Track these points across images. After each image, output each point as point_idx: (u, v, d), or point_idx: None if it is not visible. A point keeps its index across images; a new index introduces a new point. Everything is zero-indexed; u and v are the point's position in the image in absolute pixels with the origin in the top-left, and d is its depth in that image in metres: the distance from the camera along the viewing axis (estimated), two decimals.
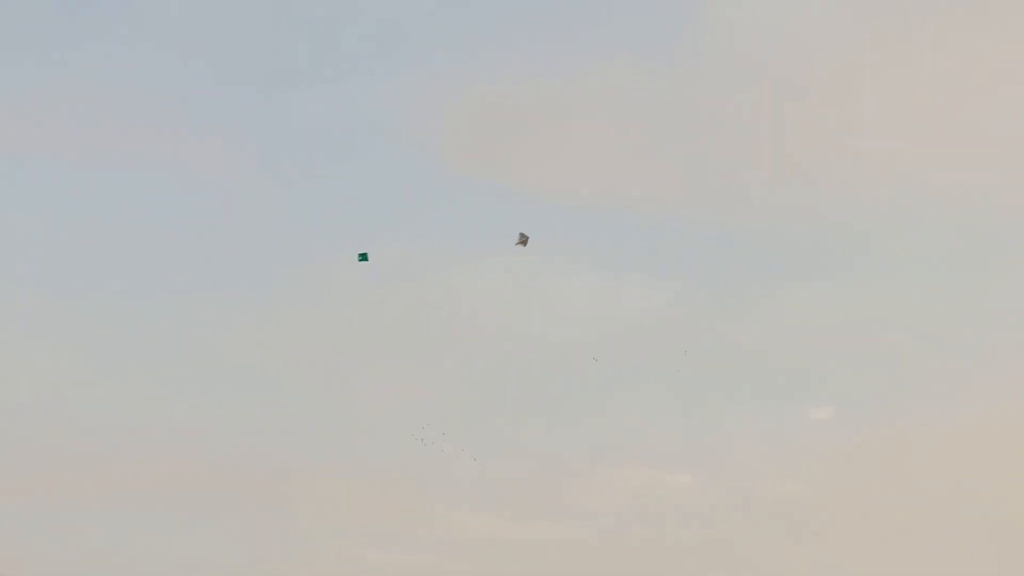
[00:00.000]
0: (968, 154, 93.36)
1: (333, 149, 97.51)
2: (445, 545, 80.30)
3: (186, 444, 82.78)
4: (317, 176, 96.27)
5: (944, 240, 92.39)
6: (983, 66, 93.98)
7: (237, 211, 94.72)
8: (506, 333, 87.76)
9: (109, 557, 78.69)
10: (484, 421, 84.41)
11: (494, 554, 79.83)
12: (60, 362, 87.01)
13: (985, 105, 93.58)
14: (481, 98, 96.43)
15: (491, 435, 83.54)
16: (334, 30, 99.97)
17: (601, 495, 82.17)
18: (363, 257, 63.83)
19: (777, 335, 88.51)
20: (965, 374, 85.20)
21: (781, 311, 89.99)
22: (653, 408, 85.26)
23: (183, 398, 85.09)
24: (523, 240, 63.44)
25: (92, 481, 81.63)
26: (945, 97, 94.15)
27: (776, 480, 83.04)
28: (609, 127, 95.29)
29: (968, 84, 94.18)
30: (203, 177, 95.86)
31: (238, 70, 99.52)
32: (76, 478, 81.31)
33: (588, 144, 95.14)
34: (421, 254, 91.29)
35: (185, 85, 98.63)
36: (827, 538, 79.67)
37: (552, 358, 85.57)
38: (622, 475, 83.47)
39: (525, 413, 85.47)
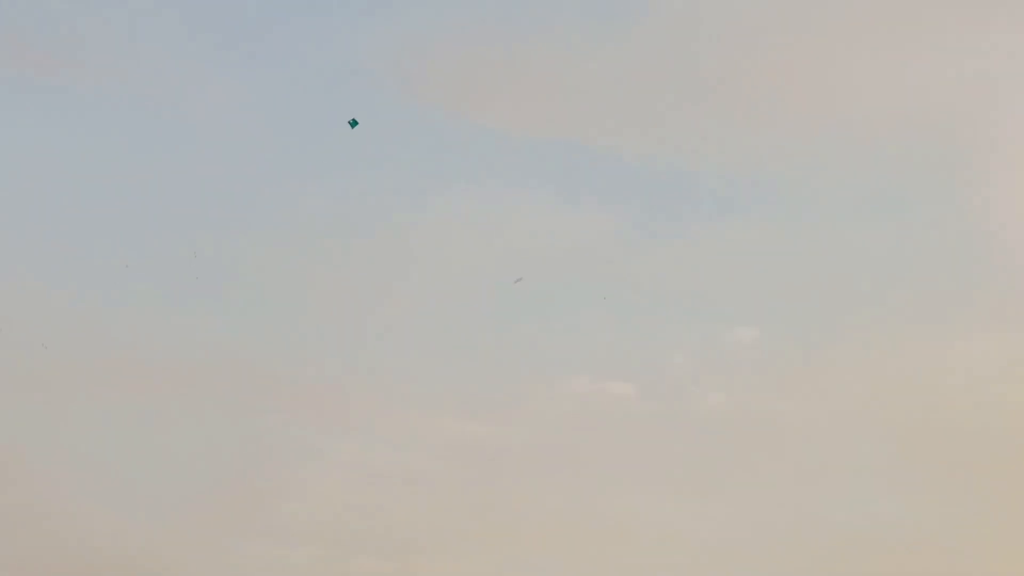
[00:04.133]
0: (895, 103, 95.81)
1: (312, 86, 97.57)
2: (392, 443, 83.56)
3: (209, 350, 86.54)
4: (298, 111, 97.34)
5: (862, 182, 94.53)
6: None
7: (221, 143, 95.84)
8: (466, 253, 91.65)
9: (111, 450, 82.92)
10: (436, 329, 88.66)
11: (441, 452, 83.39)
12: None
13: (914, 59, 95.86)
14: (455, 42, 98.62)
15: (439, 342, 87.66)
16: None
17: (544, 400, 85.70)
18: (353, 123, 69.92)
19: (709, 263, 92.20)
20: (875, 302, 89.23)
21: (714, 242, 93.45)
22: (595, 325, 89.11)
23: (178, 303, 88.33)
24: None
25: (80, 380, 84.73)
26: (879, 55, 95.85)
27: (705, 391, 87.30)
28: (569, 72, 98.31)
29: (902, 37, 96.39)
30: (189, 110, 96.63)
31: (223, 7, 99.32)
32: (68, 377, 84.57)
33: (548, 87, 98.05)
34: (390, 183, 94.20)
35: (171, 23, 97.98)
36: (750, 444, 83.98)
37: (505, 276, 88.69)
38: (565, 383, 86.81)
39: (475, 326, 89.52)
